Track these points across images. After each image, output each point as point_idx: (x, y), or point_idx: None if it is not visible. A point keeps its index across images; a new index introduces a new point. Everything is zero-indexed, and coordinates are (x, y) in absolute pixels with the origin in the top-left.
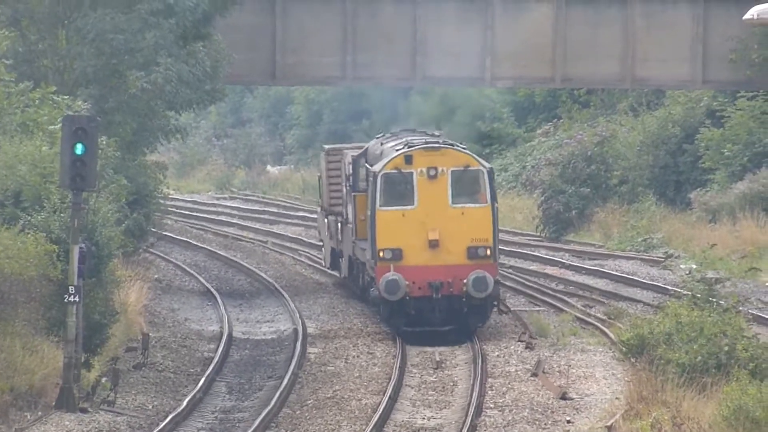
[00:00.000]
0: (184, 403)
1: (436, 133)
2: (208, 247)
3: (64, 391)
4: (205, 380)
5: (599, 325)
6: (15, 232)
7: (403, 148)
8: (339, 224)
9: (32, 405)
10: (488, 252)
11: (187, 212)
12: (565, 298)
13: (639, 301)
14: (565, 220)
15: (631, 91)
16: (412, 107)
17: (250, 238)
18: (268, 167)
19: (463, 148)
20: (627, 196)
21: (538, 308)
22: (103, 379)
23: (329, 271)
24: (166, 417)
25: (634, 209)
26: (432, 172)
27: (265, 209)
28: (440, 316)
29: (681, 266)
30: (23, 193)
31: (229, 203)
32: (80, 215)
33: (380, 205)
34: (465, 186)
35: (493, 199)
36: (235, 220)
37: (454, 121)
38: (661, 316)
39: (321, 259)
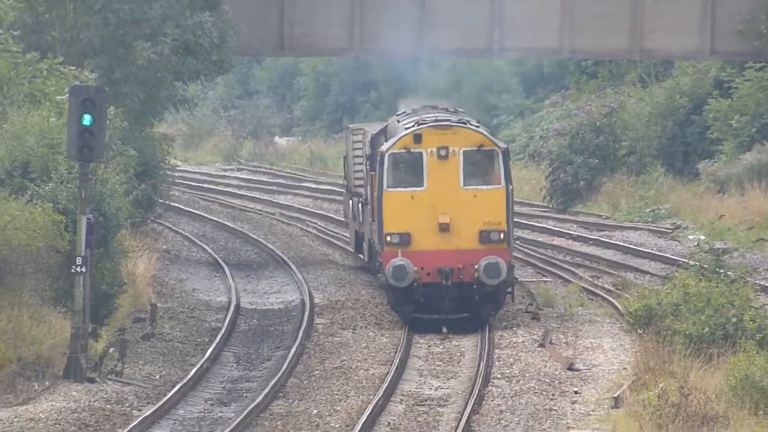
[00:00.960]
0: (192, 373)
1: (460, 110)
2: (216, 219)
3: (71, 361)
4: (212, 350)
5: (607, 296)
6: (23, 202)
7: (413, 126)
8: (360, 205)
9: (40, 375)
10: (501, 236)
11: (194, 183)
12: (573, 269)
13: (647, 272)
14: (572, 191)
15: (639, 62)
16: (420, 79)
17: (258, 210)
18: (276, 139)
19: (477, 127)
20: (635, 166)
21: (545, 279)
22: (111, 350)
23: (360, 256)
24: (174, 387)
25: (642, 180)
26: (443, 152)
27: (273, 180)
28: (450, 304)
29: (689, 237)
30: (31, 164)
31: (236, 174)
32: (88, 186)
33: (388, 187)
34: (478, 167)
35: (508, 180)
36: (242, 192)
37: (462, 93)
38: (668, 286)
39: (327, 229)
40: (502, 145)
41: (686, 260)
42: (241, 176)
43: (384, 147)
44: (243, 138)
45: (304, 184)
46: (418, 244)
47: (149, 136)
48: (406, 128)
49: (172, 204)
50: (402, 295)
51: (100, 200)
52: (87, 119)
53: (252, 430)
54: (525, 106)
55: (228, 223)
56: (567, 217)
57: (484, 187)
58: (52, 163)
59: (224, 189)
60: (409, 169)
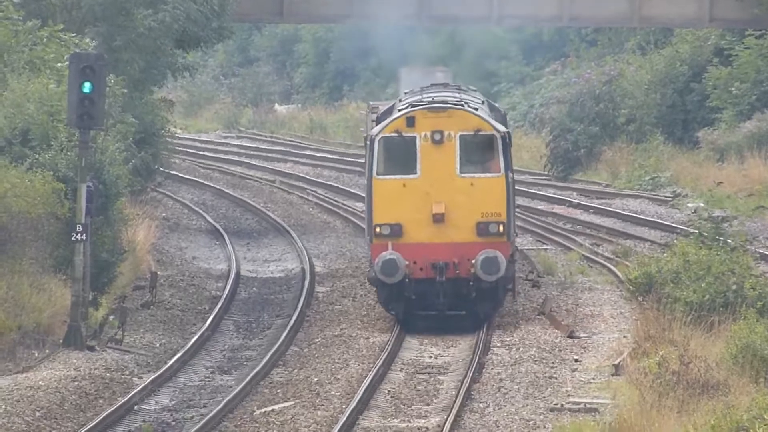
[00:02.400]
0: (193, 341)
1: (472, 88)
2: (216, 186)
3: (71, 330)
4: (213, 318)
5: (607, 263)
6: (23, 170)
7: (406, 108)
8: None
9: (40, 343)
10: (501, 228)
11: (194, 151)
12: (573, 236)
13: (646, 240)
14: (572, 159)
15: (639, 29)
16: (419, 46)
17: (258, 177)
18: (276, 106)
19: (475, 109)
20: (635, 134)
21: (545, 247)
22: (111, 317)
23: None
24: (174, 355)
25: (642, 148)
26: (437, 137)
27: (273, 148)
28: (445, 301)
29: (688, 205)
30: (31, 132)
31: (236, 142)
32: (88, 153)
33: (378, 174)
34: (475, 152)
35: (508, 168)
36: (242, 159)
37: (462, 60)
38: (668, 254)
39: (328, 197)
40: (502, 129)
41: (686, 228)
42: (240, 144)
43: (374, 130)
44: (243, 105)
45: (305, 152)
46: (410, 236)
47: (149, 104)
48: (399, 110)
49: (171, 172)
50: (392, 292)
51: (99, 168)
52: (87, 87)
53: (252, 398)
54: (525, 73)
55: (228, 191)
56: (567, 184)
57: (482, 174)
58: (52, 130)
59: (224, 156)
60: (401, 155)
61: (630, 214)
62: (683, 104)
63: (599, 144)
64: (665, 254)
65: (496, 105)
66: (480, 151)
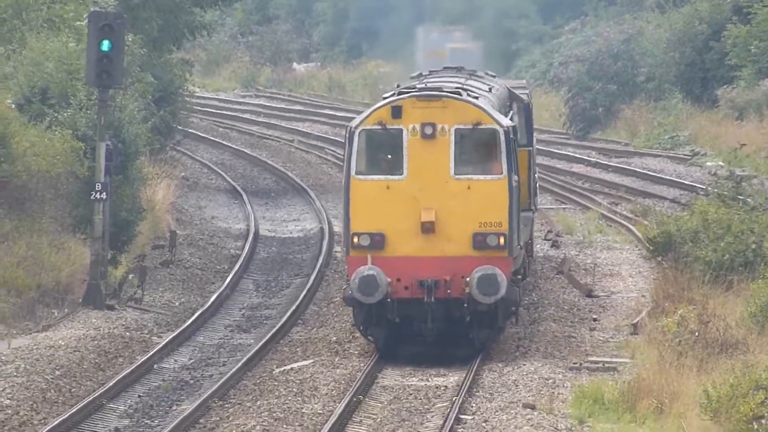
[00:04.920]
0: (212, 300)
1: (490, 73)
2: (234, 146)
3: (90, 288)
4: (232, 277)
5: (625, 222)
6: (42, 129)
7: (392, 96)
8: None
9: (59, 302)
10: (501, 241)
11: (212, 110)
12: (592, 195)
13: (665, 199)
14: (591, 118)
15: None
16: (438, 4)
17: (276, 137)
18: (294, 65)
19: (476, 98)
20: (653, 93)
21: (564, 206)
22: (130, 276)
23: None
24: (194, 314)
25: (661, 107)
26: (428, 130)
27: (291, 107)
28: (434, 326)
29: (707, 164)
30: (50, 90)
31: (254, 101)
32: (107, 112)
33: (357, 173)
34: (474, 150)
35: (512, 169)
36: (260, 119)
37: (481, 19)
38: (688, 213)
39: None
40: (506, 122)
41: (705, 187)
42: (259, 103)
43: (354, 121)
44: (261, 64)
45: (323, 111)
46: (394, 248)
47: (167, 63)
48: (385, 98)
49: (190, 131)
50: (371, 314)
51: (118, 127)
52: (106, 45)
53: (272, 357)
54: (544, 32)
55: (246, 151)
56: (586, 143)
57: (481, 176)
58: (71, 89)
59: (242, 116)
60: (385, 152)
61: (649, 172)
62: (702, 62)
63: (618, 103)
64: (684, 213)
65: (521, 92)
66: (479, 148)
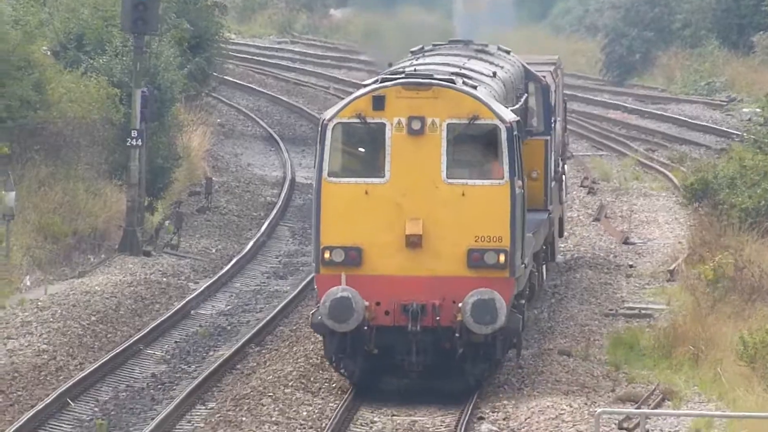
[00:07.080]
0: (249, 246)
1: (504, 48)
2: (270, 92)
3: (127, 235)
4: (268, 224)
5: (662, 169)
6: (77, 75)
7: (373, 83)
8: None
9: (96, 248)
10: (501, 258)
11: (248, 57)
12: (628, 142)
13: (702, 145)
14: (627, 64)
15: None
16: None
17: (312, 84)
18: (331, 10)
19: (474, 87)
20: (690, 39)
21: (600, 153)
22: (167, 223)
23: None
24: (231, 260)
25: (697, 53)
26: (416, 125)
27: (327, 54)
28: (419, 359)
29: (744, 110)
30: (85, 37)
31: (290, 47)
32: (142, 59)
33: (329, 175)
34: (470, 149)
35: (515, 173)
36: (296, 65)
37: None
38: (724, 160)
39: None
40: (508, 117)
41: (741, 133)
42: (295, 49)
43: (327, 113)
44: (297, 10)
45: (360, 57)
46: (374, 265)
47: (203, 9)
48: (366, 85)
49: (226, 77)
50: (345, 344)
51: (154, 73)
52: None
53: (308, 304)
54: None
55: (282, 97)
56: (622, 90)
57: (478, 181)
58: (106, 35)
59: (278, 62)
60: (364, 150)
61: (685, 119)
62: (738, 9)
63: (654, 49)
64: (721, 160)
65: (542, 71)
66: (476, 147)
